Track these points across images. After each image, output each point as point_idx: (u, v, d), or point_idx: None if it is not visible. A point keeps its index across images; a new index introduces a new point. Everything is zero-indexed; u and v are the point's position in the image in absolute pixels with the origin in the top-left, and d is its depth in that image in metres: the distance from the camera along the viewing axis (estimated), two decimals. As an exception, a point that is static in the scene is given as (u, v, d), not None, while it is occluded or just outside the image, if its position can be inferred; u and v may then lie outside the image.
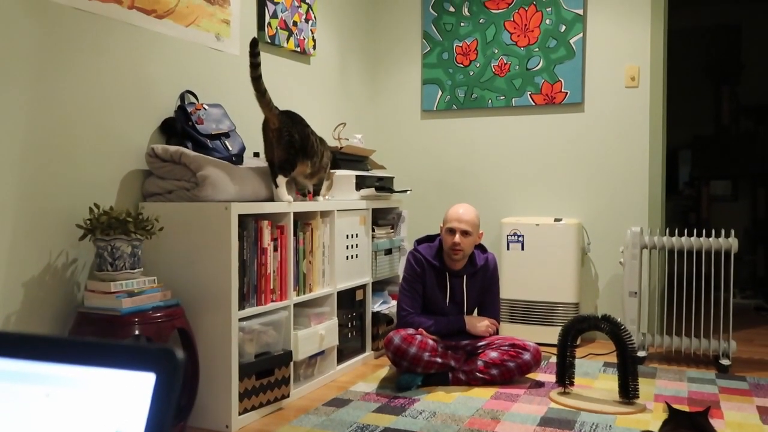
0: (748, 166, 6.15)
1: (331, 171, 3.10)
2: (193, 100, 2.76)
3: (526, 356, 2.92)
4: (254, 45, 2.55)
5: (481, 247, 3.17)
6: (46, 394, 0.50)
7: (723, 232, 3.22)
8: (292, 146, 2.65)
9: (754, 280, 5.80)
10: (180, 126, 2.61)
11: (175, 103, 2.68)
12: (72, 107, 2.26)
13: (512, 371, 2.90)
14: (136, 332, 2.09)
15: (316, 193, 3.05)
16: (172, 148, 2.47)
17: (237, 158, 2.68)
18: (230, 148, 2.69)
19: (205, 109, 2.68)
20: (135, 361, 0.49)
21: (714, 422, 2.24)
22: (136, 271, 2.19)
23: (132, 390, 0.48)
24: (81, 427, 0.49)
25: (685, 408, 2.34)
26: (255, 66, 2.55)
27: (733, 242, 3.15)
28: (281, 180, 2.66)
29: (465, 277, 3.07)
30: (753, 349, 3.67)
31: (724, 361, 3.16)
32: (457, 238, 2.97)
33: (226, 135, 2.71)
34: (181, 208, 2.42)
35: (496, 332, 3.08)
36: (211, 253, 2.36)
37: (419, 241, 3.17)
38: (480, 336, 3.02)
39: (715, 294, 3.20)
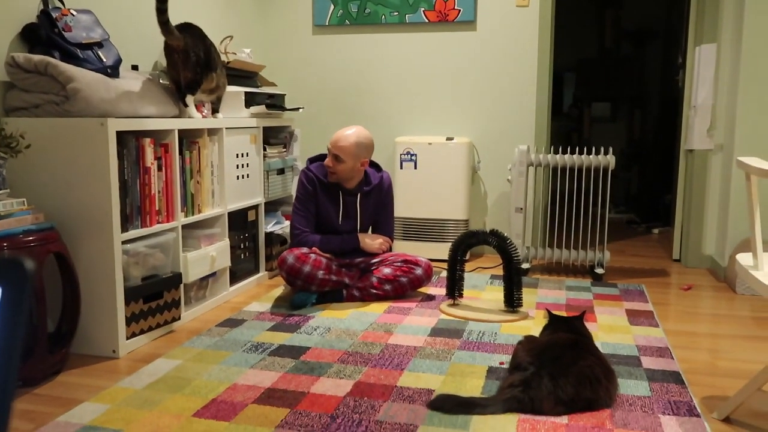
0: (626, 89, 6.47)
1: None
2: (57, 4, 2.49)
3: (418, 271, 3.00)
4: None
5: (376, 166, 3.16)
6: None
7: (602, 150, 3.39)
8: (198, 65, 2.70)
9: (627, 197, 6.23)
10: (44, 33, 2.36)
11: (36, 7, 2.41)
12: None
13: (405, 286, 2.98)
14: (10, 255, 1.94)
15: (215, 110, 2.98)
16: (37, 57, 2.23)
17: (112, 70, 2.48)
18: (104, 60, 2.47)
19: (72, 15, 2.43)
20: (-24, 273, 0.43)
21: (588, 325, 2.42)
22: (1, 192, 2.01)
23: (-26, 305, 0.43)
24: None
25: (563, 313, 2.51)
26: (161, 11, 2.53)
27: (610, 159, 3.33)
28: (190, 99, 2.72)
29: (359, 195, 3.06)
30: (624, 259, 3.97)
31: (599, 270, 3.40)
32: (328, 160, 2.96)
33: (99, 45, 2.49)
34: (51, 123, 2.22)
35: (390, 249, 3.13)
36: (87, 173, 2.20)
37: (312, 160, 3.11)
38: (373, 253, 3.06)
39: (592, 209, 3.40)
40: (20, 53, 2.26)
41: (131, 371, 2.14)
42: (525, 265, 3.48)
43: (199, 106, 2.87)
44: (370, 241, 3.05)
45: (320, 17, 4.06)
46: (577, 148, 3.57)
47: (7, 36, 2.31)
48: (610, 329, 2.58)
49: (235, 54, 3.43)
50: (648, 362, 2.22)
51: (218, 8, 3.66)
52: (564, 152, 3.51)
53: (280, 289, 3.18)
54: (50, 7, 2.42)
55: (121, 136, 2.27)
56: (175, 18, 3.18)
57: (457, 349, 2.34)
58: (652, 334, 2.51)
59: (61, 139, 2.20)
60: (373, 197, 3.11)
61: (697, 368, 2.21)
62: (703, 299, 3.10)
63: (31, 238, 2.00)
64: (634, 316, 2.75)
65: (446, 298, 2.95)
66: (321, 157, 3.13)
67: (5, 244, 1.94)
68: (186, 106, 2.72)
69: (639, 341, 2.43)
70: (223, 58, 3.23)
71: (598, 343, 2.28)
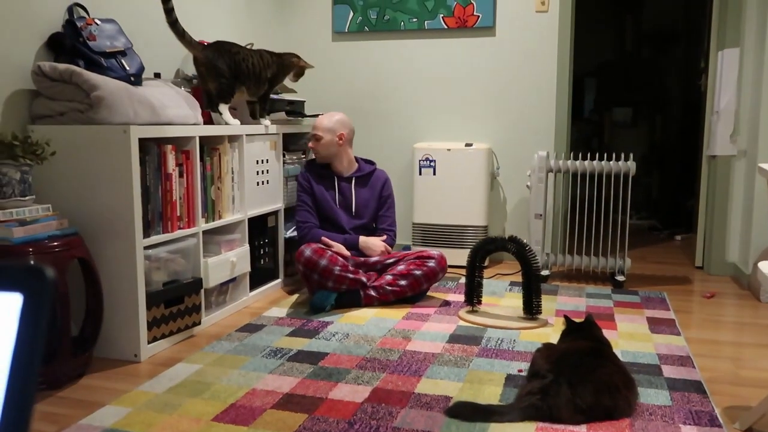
0: (647, 93, 6.41)
1: (294, 62, 3.27)
2: (82, 14, 2.54)
3: (432, 263, 3.00)
4: None
5: (368, 161, 3.33)
6: None
7: (623, 155, 3.36)
8: (222, 76, 2.84)
9: (648, 202, 6.16)
10: (69, 42, 2.41)
11: (62, 17, 2.46)
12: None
13: (420, 280, 2.98)
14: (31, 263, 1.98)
15: (253, 115, 3.17)
16: (62, 66, 2.28)
17: (135, 78, 2.52)
18: (127, 68, 2.52)
19: (97, 24, 2.48)
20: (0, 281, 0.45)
21: (608, 333, 2.40)
22: (27, 198, 2.05)
23: (-2, 312, 0.44)
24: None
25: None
26: (168, 12, 2.65)
27: (631, 166, 3.30)
28: (223, 107, 2.87)
29: (354, 180, 3.20)
30: (645, 266, 3.93)
31: (620, 278, 3.37)
32: (311, 143, 3.20)
33: (123, 53, 2.53)
34: (76, 131, 2.26)
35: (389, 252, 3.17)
36: (110, 179, 2.24)
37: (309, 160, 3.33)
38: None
39: (613, 215, 3.37)
40: (46, 62, 2.31)
41: (152, 375, 2.16)
42: (544, 272, 3.46)
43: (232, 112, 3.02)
44: (372, 244, 3.08)
45: (340, 24, 4.09)
46: (597, 154, 3.54)
47: (33, 45, 2.36)
48: (631, 337, 2.55)
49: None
50: (669, 371, 2.19)
51: (239, 15, 3.71)
52: (584, 158, 3.48)
53: (299, 294, 3.20)
54: (75, 17, 2.47)
55: (143, 143, 2.30)
56: (197, 25, 3.23)
57: (475, 356, 2.34)
58: (673, 343, 2.48)
59: (85, 146, 2.24)
60: (369, 187, 3.22)
61: (720, 377, 2.18)
62: (726, 307, 3.05)
63: (55, 243, 2.04)
64: (655, 324, 2.72)
65: (465, 304, 2.95)
66: None
67: (31, 249, 1.98)
68: (220, 114, 2.86)
69: (660, 349, 2.41)
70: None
71: (618, 351, 2.26)
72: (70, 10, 2.47)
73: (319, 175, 3.20)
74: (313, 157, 3.26)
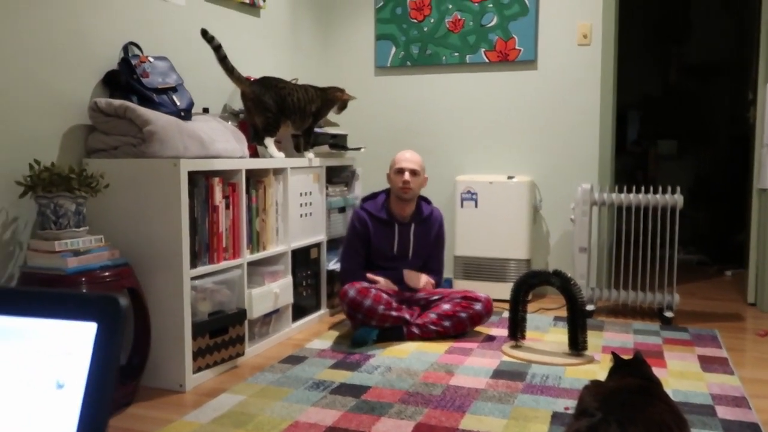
0: (692, 125, 6.30)
1: (338, 95, 3.30)
2: (137, 52, 2.64)
3: (478, 306, 2.97)
4: (204, 33, 2.75)
5: (426, 200, 3.25)
6: (-21, 346, 0.47)
7: (669, 189, 3.30)
8: (268, 111, 2.91)
9: (696, 237, 6.01)
10: (124, 79, 2.50)
11: (118, 55, 2.57)
12: (7, 61, 2.13)
13: (464, 322, 2.95)
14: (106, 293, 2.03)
15: (298, 149, 3.23)
16: (117, 102, 2.37)
17: (185, 113, 2.59)
18: (178, 103, 2.60)
19: (150, 61, 2.58)
20: (75, 311, 0.46)
21: (658, 371, 2.33)
22: (81, 229, 2.12)
23: (73, 340, 0.45)
24: (20, 380, 0.46)
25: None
26: (216, 49, 2.77)
27: (678, 199, 3.24)
28: (269, 141, 2.93)
29: (413, 225, 3.12)
30: (695, 302, 3.82)
31: (668, 314, 3.28)
32: (407, 176, 3.03)
33: (174, 89, 2.62)
34: (128, 164, 2.33)
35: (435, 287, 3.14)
36: (160, 211, 2.30)
37: (365, 199, 3.21)
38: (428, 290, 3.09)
39: (660, 250, 3.30)
40: (102, 98, 2.40)
41: (197, 405, 2.18)
42: (590, 307, 3.40)
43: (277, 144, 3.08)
44: (416, 277, 3.07)
45: (382, 59, 4.15)
46: (642, 187, 3.49)
47: (91, 83, 2.46)
48: (681, 376, 2.47)
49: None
50: (723, 412, 2.11)
51: (285, 51, 3.80)
52: (629, 191, 3.43)
53: (341, 326, 3.20)
54: (130, 54, 2.57)
55: (191, 175, 2.36)
56: (245, 61, 3.32)
57: (519, 392, 2.29)
58: (726, 382, 2.40)
59: (137, 178, 2.31)
60: (426, 228, 3.14)
61: (778, 419, 2.09)
62: (782, 345, 2.94)
63: (107, 273, 2.09)
64: (707, 363, 2.63)
65: (508, 339, 2.90)
66: (374, 196, 3.19)
67: (83, 279, 2.03)
68: (266, 147, 2.93)
69: (713, 389, 2.32)
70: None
71: (668, 390, 2.19)
72: (125, 48, 2.57)
73: (378, 220, 3.10)
74: (367, 195, 3.20)
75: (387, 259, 3.11)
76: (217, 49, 2.77)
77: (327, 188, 3.41)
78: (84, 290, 2.01)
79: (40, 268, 2.03)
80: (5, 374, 0.47)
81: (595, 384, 2.00)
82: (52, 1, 2.28)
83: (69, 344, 0.46)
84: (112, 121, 2.37)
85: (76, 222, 2.10)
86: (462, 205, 3.79)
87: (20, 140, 2.19)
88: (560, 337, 2.99)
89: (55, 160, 2.30)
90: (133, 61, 2.52)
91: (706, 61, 6.29)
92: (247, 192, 2.72)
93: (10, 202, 2.15)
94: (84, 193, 2.11)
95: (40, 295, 0.48)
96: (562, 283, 2.67)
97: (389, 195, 3.16)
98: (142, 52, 2.66)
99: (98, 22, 2.48)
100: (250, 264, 2.77)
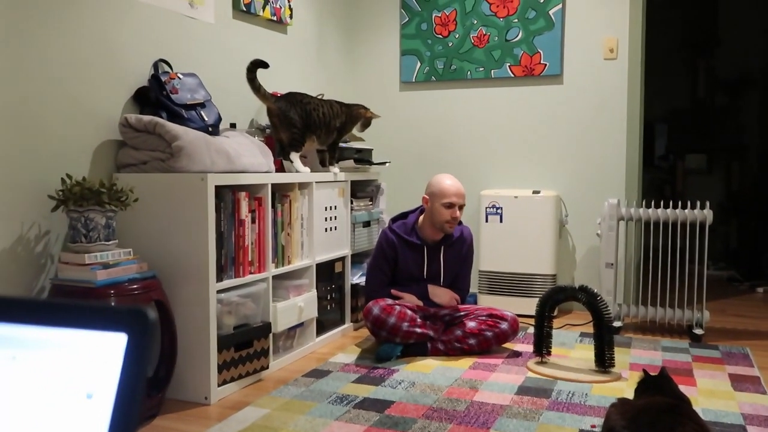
0: (722, 139, 6.22)
1: (362, 113, 3.34)
2: (167, 69, 2.70)
3: (504, 326, 2.94)
4: (252, 67, 2.85)
5: None
6: (13, 356, 0.48)
7: (698, 204, 3.25)
8: (294, 126, 2.94)
9: (727, 252, 5.90)
10: (154, 95, 2.55)
11: (148, 72, 2.62)
12: (41, 77, 2.19)
13: (490, 341, 2.93)
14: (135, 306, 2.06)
15: (323, 163, 3.24)
16: (146, 117, 2.41)
17: (213, 129, 2.64)
18: (206, 119, 2.64)
19: (179, 78, 2.63)
20: (105, 322, 0.47)
21: (688, 389, 2.29)
22: (111, 242, 2.16)
23: (103, 352, 0.47)
24: (50, 391, 0.47)
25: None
26: (250, 70, 2.85)
27: (708, 214, 3.19)
28: (294, 156, 2.95)
29: (443, 248, 3.08)
30: (725, 319, 3.74)
31: (698, 331, 3.22)
32: (457, 213, 3.00)
33: (202, 105, 2.66)
34: (157, 179, 2.37)
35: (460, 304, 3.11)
36: (187, 224, 2.33)
37: (394, 219, 3.18)
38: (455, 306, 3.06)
39: (689, 265, 3.25)
40: (132, 114, 2.45)
41: (221, 418, 2.19)
42: (617, 323, 3.35)
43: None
44: (441, 293, 3.05)
45: (407, 74, 4.18)
46: (671, 202, 3.44)
47: (121, 99, 2.51)
48: (711, 394, 2.42)
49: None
50: (755, 432, 2.06)
51: (311, 67, 3.84)
52: (657, 206, 3.39)
53: (365, 340, 3.20)
54: (160, 71, 2.62)
55: (218, 190, 2.39)
56: (271, 77, 3.37)
57: (545, 409, 2.27)
58: (759, 402, 2.34)
59: (165, 193, 2.35)
60: (456, 249, 3.12)
61: (813, 441, 2.03)
62: (817, 365, 2.86)
63: (135, 286, 2.12)
64: (738, 381, 2.58)
65: (533, 355, 2.87)
66: (404, 216, 3.17)
67: (112, 292, 2.06)
68: (291, 162, 2.95)
69: (744, 409, 2.27)
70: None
71: (698, 409, 2.14)
72: (155, 65, 2.63)
73: (407, 243, 3.06)
74: (397, 216, 3.18)
75: (415, 281, 3.10)
76: (251, 69, 2.84)
77: (352, 202, 3.43)
78: (113, 302, 2.05)
79: (70, 280, 2.07)
80: (37, 384, 0.48)
81: (622, 402, 1.97)
82: (85, 20, 2.35)
83: (99, 354, 0.47)
84: (142, 137, 2.42)
85: (105, 235, 2.14)
86: (487, 220, 3.77)
87: (53, 155, 2.24)
88: (586, 353, 2.95)
89: (86, 175, 2.35)
90: (163, 78, 2.57)
91: (735, 73, 6.21)
92: (273, 206, 2.75)
93: (43, 216, 2.20)
94: (114, 207, 2.15)
95: (71, 306, 0.49)
96: (589, 299, 2.64)
97: (419, 215, 3.13)
98: (171, 68, 2.71)
99: (129, 40, 2.54)
100: (275, 278, 2.79)
